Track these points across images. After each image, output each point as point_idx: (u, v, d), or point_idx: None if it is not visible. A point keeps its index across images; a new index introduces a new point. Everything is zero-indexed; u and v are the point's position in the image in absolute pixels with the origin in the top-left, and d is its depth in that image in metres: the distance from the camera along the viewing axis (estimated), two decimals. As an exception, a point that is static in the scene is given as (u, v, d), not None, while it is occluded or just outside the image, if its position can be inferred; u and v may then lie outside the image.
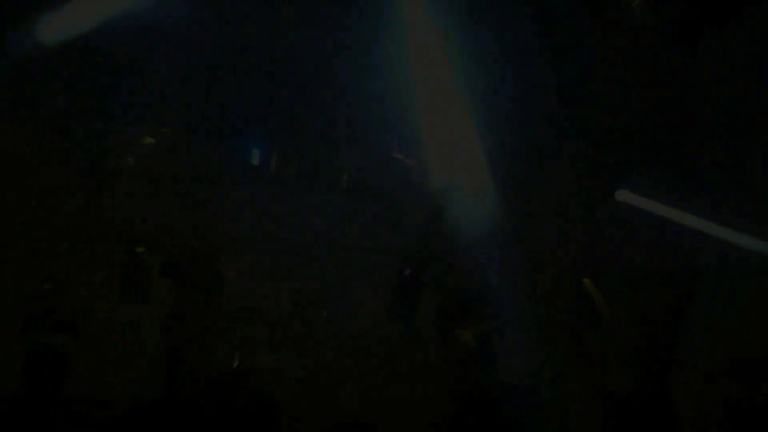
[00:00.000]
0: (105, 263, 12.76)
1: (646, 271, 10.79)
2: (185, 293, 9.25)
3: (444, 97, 11.99)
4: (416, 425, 7.89)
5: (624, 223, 13.02)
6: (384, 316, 12.35)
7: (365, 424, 2.92)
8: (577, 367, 11.36)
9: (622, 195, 12.56)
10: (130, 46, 12.39)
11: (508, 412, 7.56)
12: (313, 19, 11.94)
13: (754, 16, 11.96)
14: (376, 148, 11.67)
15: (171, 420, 2.32)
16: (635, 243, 13.11)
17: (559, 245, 13.26)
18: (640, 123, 13.85)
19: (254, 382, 7.59)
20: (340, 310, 12.04)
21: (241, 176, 13.05)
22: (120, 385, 10.18)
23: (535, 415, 7.67)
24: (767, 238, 11.32)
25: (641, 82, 13.89)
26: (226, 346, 10.62)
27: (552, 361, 12.24)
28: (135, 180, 12.79)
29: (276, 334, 10.83)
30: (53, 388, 10.02)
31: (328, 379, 10.67)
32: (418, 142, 12.04)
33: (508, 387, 8.29)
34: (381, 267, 12.80)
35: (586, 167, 13.23)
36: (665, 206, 12.70)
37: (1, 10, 10.96)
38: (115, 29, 11.70)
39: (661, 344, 9.89)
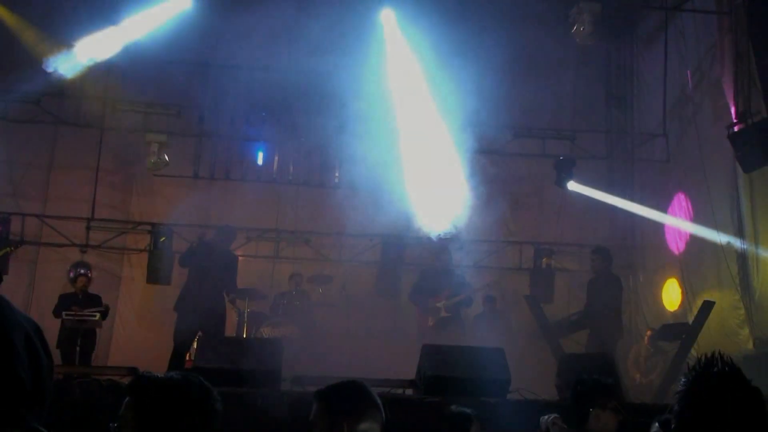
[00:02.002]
0: (134, 251, 12.83)
1: (593, 247, 10.88)
2: (201, 276, 9.23)
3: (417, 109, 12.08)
4: (396, 383, 7.96)
5: (573, 208, 13.13)
6: (372, 291, 12.45)
7: (359, 382, 2.98)
8: (536, 331, 11.44)
9: (572, 185, 12.62)
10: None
11: (477, 370, 7.66)
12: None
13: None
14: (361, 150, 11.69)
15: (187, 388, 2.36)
16: (583, 225, 13.24)
17: (519, 228, 13.38)
18: (587, 124, 13.98)
19: (260, 349, 7.63)
20: (334, 287, 12.11)
21: (248, 175, 13.12)
22: (143, 354, 10.22)
23: (500, 372, 7.72)
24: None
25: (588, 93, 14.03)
26: (236, 319, 10.68)
27: (515, 327, 12.36)
28: (158, 179, 12.84)
29: (278, 308, 10.87)
30: (84, 359, 10.13)
31: (322, 345, 10.73)
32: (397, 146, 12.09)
33: (477, 349, 8.34)
34: (369, 250, 12.89)
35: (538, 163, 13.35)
36: (607, 194, 12.79)
37: None
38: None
39: (609, 312, 9.94)
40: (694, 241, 11.46)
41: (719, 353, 2.20)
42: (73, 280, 11.18)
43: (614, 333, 9.83)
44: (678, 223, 11.88)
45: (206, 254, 9.73)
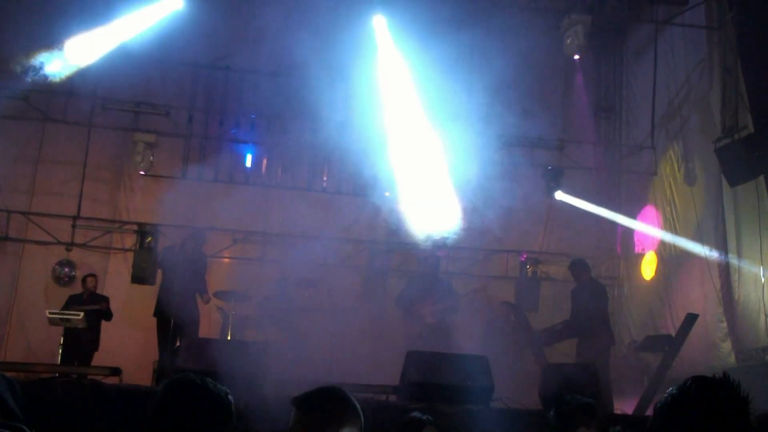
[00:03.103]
0: (120, 250, 12.78)
1: (578, 257, 10.93)
2: (175, 279, 9.18)
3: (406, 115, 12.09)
4: (380, 389, 7.97)
5: (560, 217, 13.20)
6: (357, 296, 12.42)
7: (338, 388, 2.98)
8: (520, 340, 11.47)
9: (560, 195, 12.68)
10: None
11: (461, 377, 7.68)
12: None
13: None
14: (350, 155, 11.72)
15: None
16: (570, 235, 13.30)
17: (505, 236, 13.39)
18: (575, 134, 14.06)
19: (244, 352, 7.61)
20: (320, 291, 12.08)
21: (236, 177, 13.09)
22: (127, 354, 10.17)
23: (484, 380, 7.75)
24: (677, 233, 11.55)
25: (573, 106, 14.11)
26: (221, 323, 10.63)
27: (500, 336, 12.37)
28: (146, 178, 12.81)
29: (263, 311, 10.84)
30: (85, 360, 10.09)
31: (307, 349, 10.70)
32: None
33: (461, 356, 8.37)
34: (355, 255, 12.87)
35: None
36: (594, 205, 12.86)
37: None
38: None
39: (595, 319, 9.94)
40: (678, 253, 11.53)
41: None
42: (69, 280, 11.15)
43: (604, 340, 9.79)
44: (656, 233, 12.01)
45: (180, 257, 9.68)
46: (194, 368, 7.02)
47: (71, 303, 10.58)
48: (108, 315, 10.71)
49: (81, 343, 10.13)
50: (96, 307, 10.37)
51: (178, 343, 8.96)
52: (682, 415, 2.12)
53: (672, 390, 2.18)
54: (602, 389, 8.05)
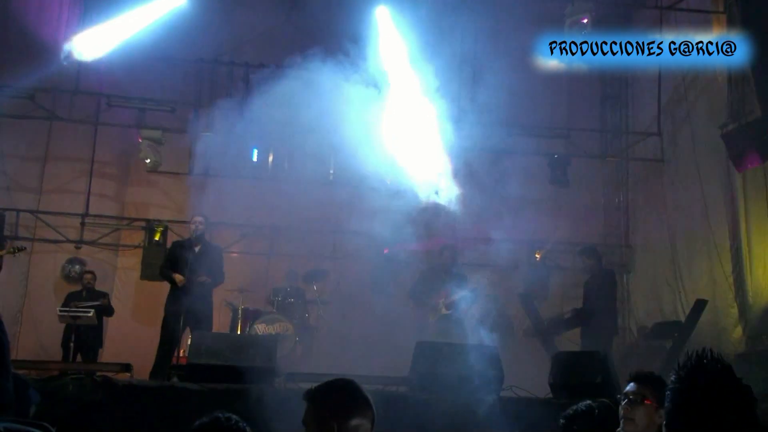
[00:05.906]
0: (129, 247, 12.81)
1: (579, 249, 10.91)
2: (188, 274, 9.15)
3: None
4: (390, 380, 7.98)
5: (568, 206, 13.16)
6: (368, 289, 12.42)
7: (349, 380, 2.99)
8: (530, 330, 11.46)
9: (567, 184, 12.63)
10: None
11: (471, 368, 7.68)
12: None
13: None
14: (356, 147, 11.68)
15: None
16: (578, 223, 13.26)
17: (513, 226, 13.37)
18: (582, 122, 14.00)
19: (254, 346, 7.62)
20: (329, 284, 12.10)
21: (243, 171, 13.08)
22: (138, 350, 10.18)
23: (494, 369, 7.75)
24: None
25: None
26: (230, 317, 10.65)
27: (510, 326, 12.37)
28: (153, 175, 12.83)
29: (272, 305, 10.87)
30: (88, 355, 10.13)
31: (317, 342, 10.74)
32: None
33: (471, 347, 8.37)
34: (365, 248, 12.85)
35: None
36: (601, 193, 12.83)
37: None
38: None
39: (604, 309, 9.91)
40: (687, 239, 11.49)
41: (710, 351, 2.19)
42: (79, 277, 11.19)
43: (609, 331, 9.78)
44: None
45: (192, 251, 9.65)
46: (206, 363, 7.04)
47: (70, 300, 10.57)
48: (109, 311, 10.71)
49: (87, 340, 10.16)
50: (97, 304, 10.37)
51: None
52: (690, 405, 2.12)
53: (674, 379, 2.17)
54: (613, 376, 8.02)
